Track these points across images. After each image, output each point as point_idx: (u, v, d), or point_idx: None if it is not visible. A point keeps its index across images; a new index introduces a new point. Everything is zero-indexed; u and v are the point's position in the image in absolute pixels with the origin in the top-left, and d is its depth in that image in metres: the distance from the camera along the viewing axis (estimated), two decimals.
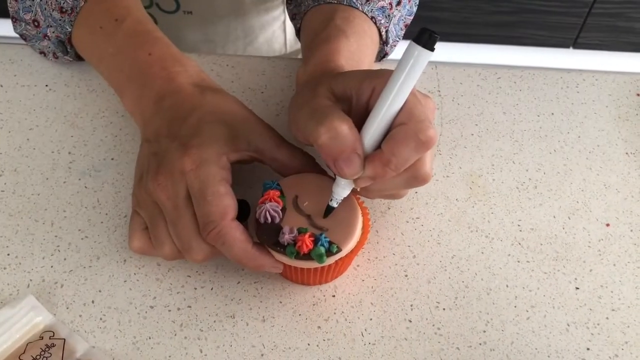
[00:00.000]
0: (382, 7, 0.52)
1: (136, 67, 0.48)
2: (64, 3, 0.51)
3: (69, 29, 0.52)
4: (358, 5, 0.52)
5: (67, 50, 0.54)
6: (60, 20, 0.51)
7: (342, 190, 0.42)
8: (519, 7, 1.65)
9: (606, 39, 1.75)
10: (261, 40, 0.72)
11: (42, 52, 0.56)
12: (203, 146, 0.42)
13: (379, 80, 0.41)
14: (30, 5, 0.53)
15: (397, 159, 0.39)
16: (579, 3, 1.64)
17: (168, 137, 0.43)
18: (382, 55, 0.57)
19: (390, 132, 0.40)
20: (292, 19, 0.62)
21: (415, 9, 0.59)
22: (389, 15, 0.53)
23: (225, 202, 0.41)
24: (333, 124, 0.39)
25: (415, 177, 0.41)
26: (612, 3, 1.64)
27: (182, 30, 0.68)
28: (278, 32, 0.73)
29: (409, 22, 0.58)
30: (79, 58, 0.56)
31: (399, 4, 0.55)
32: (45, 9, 0.52)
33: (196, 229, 0.41)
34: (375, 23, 0.52)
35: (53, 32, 0.53)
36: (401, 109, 0.39)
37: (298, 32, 0.58)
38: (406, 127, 0.39)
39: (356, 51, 0.49)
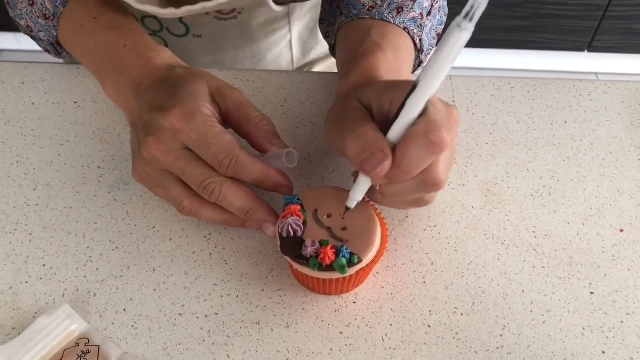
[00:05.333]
0: (414, 17, 0.54)
1: (113, 59, 0.51)
2: (45, 11, 0.54)
3: (55, 33, 0.55)
4: (390, 19, 0.53)
5: (58, 51, 0.58)
6: (46, 25, 0.55)
7: (355, 193, 0.44)
8: (533, 12, 1.66)
9: (621, 41, 1.75)
10: (269, 59, 0.75)
11: (47, 51, 0.60)
12: (183, 102, 0.45)
13: (397, 91, 0.42)
14: (21, 13, 0.56)
15: (408, 160, 0.40)
16: (593, 6, 1.65)
17: (149, 112, 0.46)
18: (417, 64, 0.59)
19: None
20: (325, 37, 0.64)
21: (445, 18, 0.61)
22: (421, 25, 0.55)
23: (228, 138, 0.44)
24: (356, 130, 0.42)
25: (425, 182, 0.42)
26: (626, 6, 1.64)
27: (192, 53, 0.71)
28: (285, 51, 0.75)
29: (440, 31, 0.60)
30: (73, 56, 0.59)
31: (429, 14, 0.56)
32: (31, 17, 0.55)
33: (209, 168, 0.44)
34: (408, 33, 0.54)
35: (44, 36, 0.56)
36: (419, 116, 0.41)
37: (332, 49, 0.61)
38: (417, 127, 0.40)
39: (394, 63, 0.51)
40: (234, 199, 0.45)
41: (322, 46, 0.78)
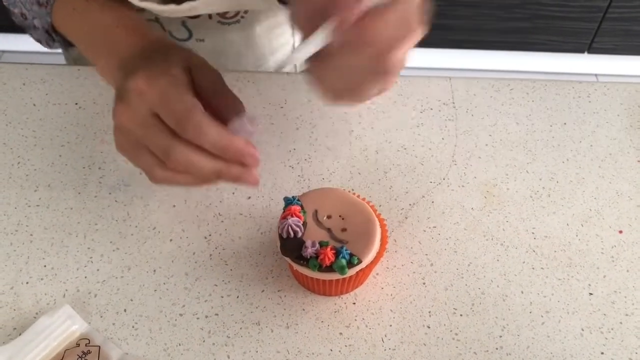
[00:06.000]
0: None
1: (106, 40, 0.51)
2: None
3: (49, 19, 0.55)
4: None
5: (52, 39, 0.57)
6: (40, 12, 0.55)
7: (306, 45, 0.39)
8: (533, 14, 1.66)
9: (621, 43, 1.75)
10: (271, 63, 0.75)
11: (38, 40, 0.59)
12: (152, 67, 0.44)
13: None
14: (15, 1, 0.56)
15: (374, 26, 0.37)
16: (593, 8, 1.65)
17: (123, 79, 0.45)
18: None
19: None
20: None
21: None
22: None
23: (189, 98, 0.42)
24: None
25: (377, 56, 0.39)
26: (626, 7, 1.64)
27: None
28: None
29: None
30: (65, 45, 0.58)
31: None
32: (25, 4, 0.55)
33: (171, 133, 0.42)
34: None
35: (39, 23, 0.56)
36: None
37: None
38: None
39: None
40: (199, 163, 0.43)
41: None
